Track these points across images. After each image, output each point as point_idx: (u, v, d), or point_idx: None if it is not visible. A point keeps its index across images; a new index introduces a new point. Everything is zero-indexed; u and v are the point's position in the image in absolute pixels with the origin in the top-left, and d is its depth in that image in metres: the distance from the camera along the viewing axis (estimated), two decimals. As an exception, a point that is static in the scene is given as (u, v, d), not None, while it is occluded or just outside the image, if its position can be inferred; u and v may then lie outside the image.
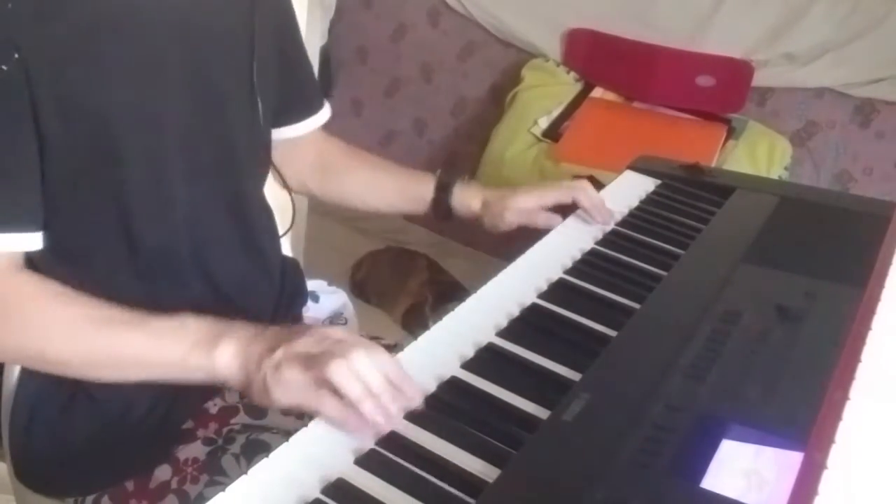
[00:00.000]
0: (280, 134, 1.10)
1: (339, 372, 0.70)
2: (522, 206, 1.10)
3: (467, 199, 1.14)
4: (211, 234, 0.96)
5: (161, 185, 0.89)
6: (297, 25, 1.10)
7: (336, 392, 0.71)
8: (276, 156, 1.10)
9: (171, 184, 0.90)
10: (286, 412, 0.97)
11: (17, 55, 0.77)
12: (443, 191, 1.14)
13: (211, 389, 0.98)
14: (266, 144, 1.05)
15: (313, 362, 0.72)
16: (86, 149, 0.83)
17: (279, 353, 0.74)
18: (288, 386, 0.73)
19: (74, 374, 0.85)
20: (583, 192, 1.11)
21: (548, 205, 1.11)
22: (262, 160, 1.06)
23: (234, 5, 0.94)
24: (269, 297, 1.06)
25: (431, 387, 0.77)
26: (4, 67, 0.77)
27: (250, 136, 1.00)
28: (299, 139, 1.14)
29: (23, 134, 0.80)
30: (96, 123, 0.82)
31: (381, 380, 0.71)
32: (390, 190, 1.18)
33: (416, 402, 0.73)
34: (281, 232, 1.13)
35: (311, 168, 1.18)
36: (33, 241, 0.84)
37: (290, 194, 1.16)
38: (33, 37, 0.77)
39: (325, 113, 1.16)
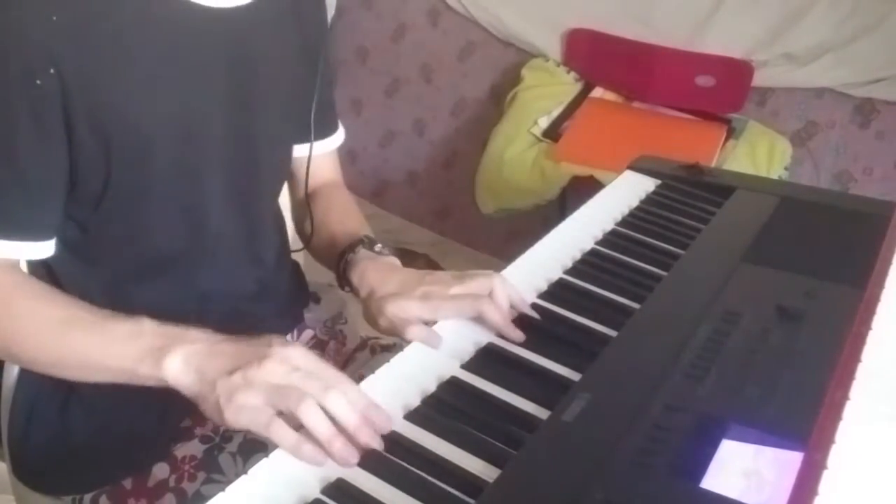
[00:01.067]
0: (294, 151, 1.08)
1: (308, 413, 0.67)
2: (399, 314, 0.86)
3: (356, 276, 0.94)
4: (223, 245, 0.97)
5: (189, 197, 0.91)
6: (328, 43, 1.09)
7: (290, 420, 0.68)
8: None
9: (201, 197, 0.92)
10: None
11: (52, 70, 0.77)
12: (341, 258, 0.98)
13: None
14: (288, 162, 1.06)
15: (278, 396, 0.69)
16: (117, 158, 0.84)
17: (237, 377, 0.71)
18: (242, 411, 0.70)
19: (44, 371, 0.86)
20: (489, 305, 0.85)
21: (440, 319, 0.86)
22: (282, 177, 1.08)
23: (280, 24, 0.94)
24: (272, 301, 1.06)
25: (431, 387, 0.77)
26: (39, 82, 0.77)
27: (277, 154, 1.02)
28: (305, 162, 1.09)
29: (52, 147, 0.81)
30: (130, 133, 0.83)
31: (353, 417, 0.69)
32: (325, 244, 1.06)
33: (386, 429, 0.71)
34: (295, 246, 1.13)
35: (301, 199, 1.12)
36: (42, 249, 0.85)
37: (310, 211, 1.12)
38: (74, 49, 0.78)
39: (337, 138, 1.13)
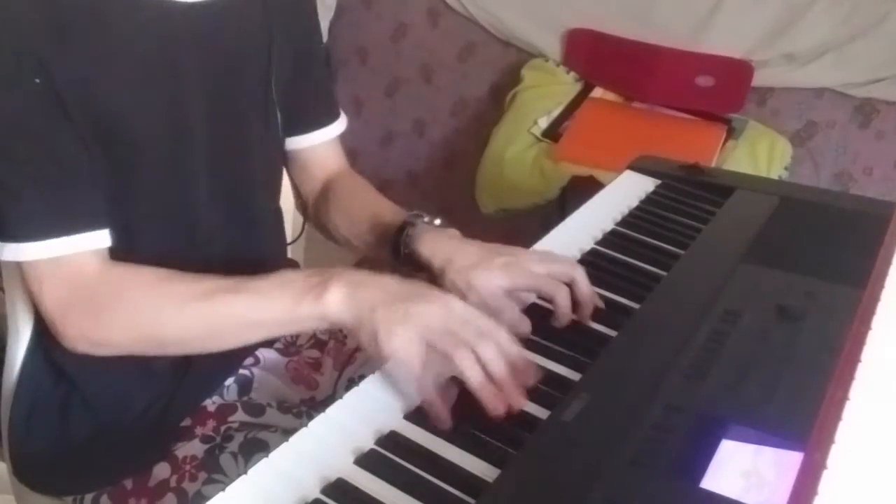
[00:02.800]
0: (296, 143, 1.09)
1: (462, 358, 0.71)
2: (485, 285, 0.85)
3: (424, 248, 0.92)
4: (218, 242, 0.97)
5: (179, 194, 0.91)
6: (318, 32, 1.10)
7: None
8: (295, 167, 1.11)
9: (190, 194, 0.92)
10: (283, 411, 0.97)
11: (42, 69, 0.78)
12: (399, 233, 0.95)
13: (208, 387, 0.98)
14: (281, 155, 1.07)
15: (436, 336, 0.72)
16: (103, 155, 0.84)
17: (399, 309, 0.73)
18: (397, 339, 0.72)
19: (193, 349, 0.87)
20: (565, 293, 0.85)
21: (519, 289, 0.87)
22: (276, 170, 1.08)
23: (251, 16, 0.94)
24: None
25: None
26: (38, 80, 0.78)
27: (266, 147, 1.02)
28: (312, 153, 1.11)
29: (67, 139, 0.81)
30: (115, 130, 0.84)
31: (504, 369, 0.72)
32: (362, 223, 1.05)
33: (531, 381, 0.74)
34: (290, 238, 1.14)
35: (318, 189, 1.14)
36: (104, 238, 0.85)
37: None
38: (59, 50, 0.78)
39: (338, 125, 1.13)
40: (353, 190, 1.10)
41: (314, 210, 1.14)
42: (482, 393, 0.71)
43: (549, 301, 0.86)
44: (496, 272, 0.85)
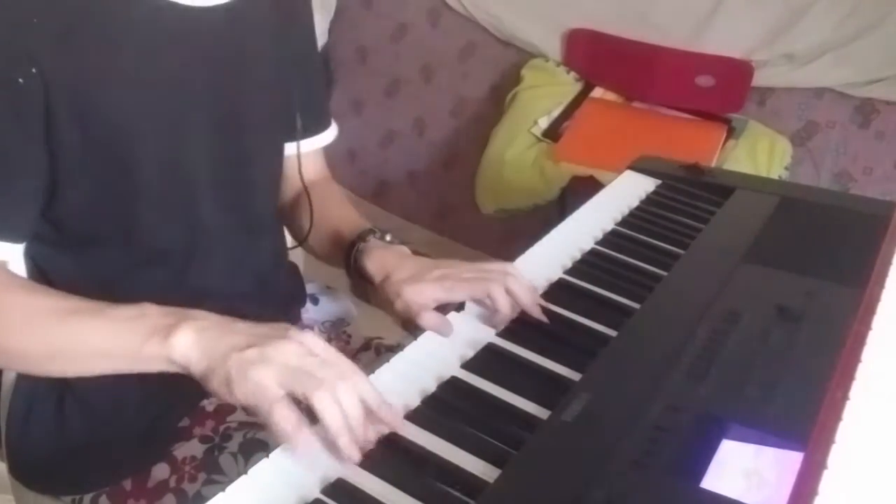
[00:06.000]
0: (286, 149, 1.08)
1: (323, 400, 0.67)
2: (415, 298, 0.88)
3: (370, 262, 0.95)
4: (218, 243, 0.97)
5: (179, 196, 0.91)
6: (314, 40, 1.10)
7: (294, 402, 0.68)
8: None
9: (190, 195, 0.92)
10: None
11: (34, 69, 0.77)
12: (350, 248, 0.98)
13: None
14: (281, 159, 1.07)
15: (292, 378, 0.69)
16: (103, 157, 0.84)
17: (252, 353, 0.70)
18: (252, 387, 0.69)
19: (34, 367, 0.84)
20: (499, 288, 0.87)
21: (453, 300, 0.89)
22: (276, 175, 1.07)
23: (254, 20, 0.94)
24: (269, 301, 1.06)
25: (431, 387, 0.77)
26: (21, 81, 0.77)
27: (267, 152, 1.02)
28: (294, 160, 1.08)
29: (35, 149, 0.81)
30: (116, 132, 0.83)
31: (360, 413, 0.68)
32: (323, 237, 1.06)
33: (397, 428, 0.71)
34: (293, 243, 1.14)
35: (293, 194, 1.13)
36: (14, 252, 0.84)
37: (310, 206, 1.12)
38: (56, 51, 0.78)
39: (329, 134, 1.13)
40: (322, 201, 1.09)
41: (285, 214, 1.13)
42: (339, 439, 0.66)
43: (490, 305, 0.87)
44: (428, 284, 0.88)
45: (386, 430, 0.70)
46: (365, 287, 0.96)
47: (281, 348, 0.70)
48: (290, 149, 1.08)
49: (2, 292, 0.82)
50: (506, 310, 0.86)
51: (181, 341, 0.74)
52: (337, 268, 1.03)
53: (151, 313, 0.77)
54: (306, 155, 1.07)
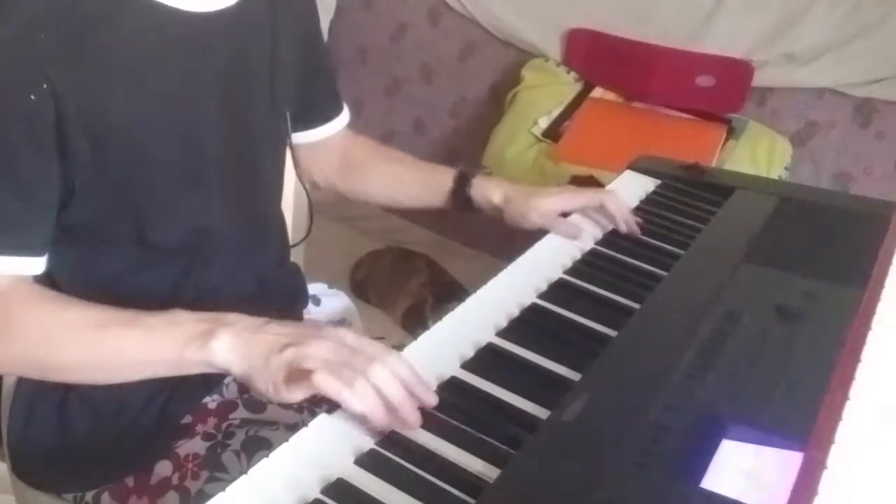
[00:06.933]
0: (302, 138, 1.13)
1: (363, 390, 0.70)
2: (548, 208, 1.08)
3: (487, 191, 1.12)
4: (223, 245, 0.97)
5: (189, 201, 0.91)
6: (319, 29, 1.12)
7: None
8: (303, 157, 1.14)
9: (201, 200, 0.92)
10: (285, 407, 0.97)
11: (45, 85, 0.77)
12: (461, 182, 1.14)
13: (209, 384, 0.98)
14: (285, 157, 1.08)
15: (335, 373, 0.71)
16: (115, 165, 0.84)
17: (290, 353, 0.73)
18: (300, 386, 0.72)
19: (76, 379, 0.86)
20: (612, 197, 1.09)
21: (574, 209, 1.10)
22: (281, 172, 1.09)
23: (258, 22, 0.95)
24: (272, 302, 1.06)
25: (431, 386, 0.77)
26: (33, 97, 0.77)
27: (274, 150, 1.04)
28: (322, 142, 1.16)
29: (48, 162, 0.81)
30: (126, 141, 0.84)
31: (400, 391, 0.71)
32: (411, 183, 1.20)
33: (431, 403, 0.73)
34: (294, 241, 1.15)
35: (336, 167, 1.21)
36: (37, 265, 0.84)
37: (309, 204, 1.17)
38: (65, 65, 0.78)
39: (343, 117, 1.19)
40: (388, 157, 1.23)
41: (344, 183, 1.22)
42: (375, 418, 0.70)
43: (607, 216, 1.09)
44: (551, 198, 1.09)
45: (426, 406, 0.73)
46: (468, 216, 1.17)
47: (317, 345, 0.73)
48: (312, 136, 1.15)
49: (35, 306, 0.82)
50: (618, 212, 1.08)
51: (220, 346, 0.76)
52: (415, 207, 1.21)
53: (184, 320, 0.79)
54: (329, 140, 1.16)
